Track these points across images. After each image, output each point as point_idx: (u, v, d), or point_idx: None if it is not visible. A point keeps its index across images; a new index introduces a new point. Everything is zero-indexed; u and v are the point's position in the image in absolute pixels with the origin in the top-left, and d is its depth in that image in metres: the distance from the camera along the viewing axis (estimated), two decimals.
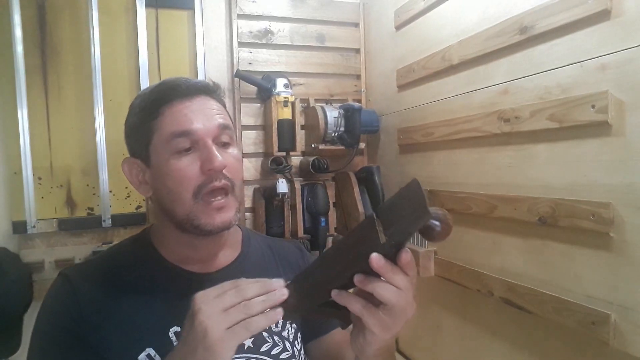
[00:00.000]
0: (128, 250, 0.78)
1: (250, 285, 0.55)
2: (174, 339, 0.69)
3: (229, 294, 0.54)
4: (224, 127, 0.71)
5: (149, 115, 0.71)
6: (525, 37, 0.97)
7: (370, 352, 0.59)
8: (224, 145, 0.72)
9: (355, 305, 0.54)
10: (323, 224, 1.52)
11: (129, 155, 0.75)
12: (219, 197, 0.69)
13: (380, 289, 0.52)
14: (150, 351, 0.67)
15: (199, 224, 0.68)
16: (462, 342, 1.25)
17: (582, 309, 0.84)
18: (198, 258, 0.76)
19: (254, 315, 0.53)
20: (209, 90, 0.74)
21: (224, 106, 0.77)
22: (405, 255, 0.52)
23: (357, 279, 0.53)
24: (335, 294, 0.54)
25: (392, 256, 0.52)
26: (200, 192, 0.67)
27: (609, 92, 0.79)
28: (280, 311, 0.55)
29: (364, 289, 0.53)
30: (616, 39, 0.78)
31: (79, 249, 1.42)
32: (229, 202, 0.70)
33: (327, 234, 1.55)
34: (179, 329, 0.70)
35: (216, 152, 0.68)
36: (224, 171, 0.68)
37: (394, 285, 0.52)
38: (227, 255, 0.80)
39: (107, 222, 1.43)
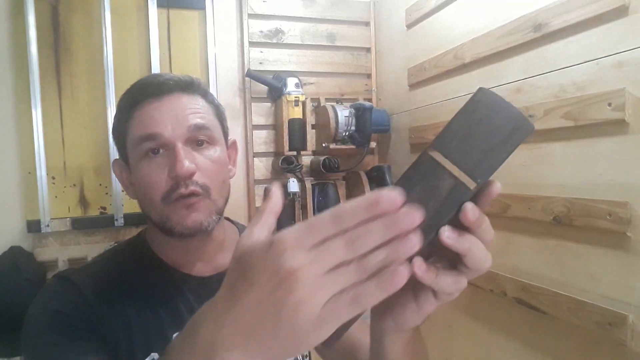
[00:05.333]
0: (125, 254, 0.74)
1: (370, 227, 0.32)
2: None
3: (336, 246, 0.32)
4: (198, 128, 0.67)
5: (123, 117, 0.69)
6: (539, 35, 0.96)
7: (416, 322, 0.45)
8: (200, 146, 0.68)
9: (445, 280, 0.39)
10: None
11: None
12: (189, 198, 0.65)
13: (477, 250, 0.38)
14: (155, 356, 0.65)
15: (171, 226, 0.65)
16: (475, 342, 1.24)
17: (599, 309, 0.83)
18: (192, 260, 0.73)
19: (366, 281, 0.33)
20: (183, 86, 0.69)
21: (211, 101, 0.73)
22: (496, 188, 0.38)
23: (449, 234, 0.37)
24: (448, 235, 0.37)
25: (475, 200, 0.38)
26: (169, 197, 0.64)
27: (626, 89, 0.78)
28: (404, 270, 0.33)
29: (455, 248, 0.38)
30: (634, 35, 0.77)
31: (92, 248, 1.43)
32: (200, 204, 0.66)
33: None
34: None
35: (182, 158, 0.63)
36: (195, 177, 0.65)
37: (484, 240, 0.39)
38: (225, 258, 0.76)
39: (120, 221, 1.44)
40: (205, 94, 0.72)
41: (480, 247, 0.39)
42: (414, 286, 0.43)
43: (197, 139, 0.67)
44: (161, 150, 0.65)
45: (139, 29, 1.49)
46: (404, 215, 0.32)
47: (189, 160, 0.64)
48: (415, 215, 0.32)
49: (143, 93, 0.67)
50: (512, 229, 1.06)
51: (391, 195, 0.32)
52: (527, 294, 1.00)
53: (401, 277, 0.32)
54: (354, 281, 0.33)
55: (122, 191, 1.45)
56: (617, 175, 0.81)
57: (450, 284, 0.39)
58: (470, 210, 0.36)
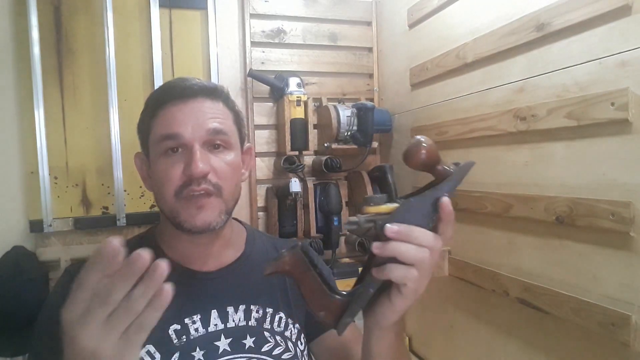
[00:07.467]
0: (132, 247, 0.78)
1: (119, 275, 0.45)
2: (173, 336, 0.70)
3: (99, 298, 0.44)
4: (216, 132, 0.71)
5: (149, 114, 0.74)
6: (541, 35, 0.95)
7: (393, 318, 0.58)
8: (216, 149, 0.72)
9: (396, 272, 0.53)
10: (336, 223, 1.52)
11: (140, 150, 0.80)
12: (200, 198, 0.69)
13: (403, 248, 0.52)
14: (150, 348, 0.68)
15: (180, 221, 0.70)
16: (477, 343, 1.24)
17: (601, 310, 0.83)
18: (198, 256, 0.77)
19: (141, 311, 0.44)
20: (207, 91, 0.74)
21: (231, 108, 0.77)
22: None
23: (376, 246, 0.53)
24: (376, 272, 0.55)
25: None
26: (181, 192, 0.69)
27: (629, 89, 0.77)
28: (167, 288, 0.45)
29: (385, 254, 0.53)
30: (637, 35, 0.77)
31: (94, 248, 1.43)
32: (211, 203, 0.70)
33: (340, 233, 1.54)
34: (179, 327, 0.71)
35: (198, 159, 0.68)
36: (209, 176, 0.69)
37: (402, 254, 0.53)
38: (229, 254, 0.81)
39: (122, 221, 1.44)
40: (227, 101, 0.77)
41: (407, 246, 0.52)
42: (386, 287, 0.57)
43: (214, 142, 0.72)
44: (180, 150, 0.70)
45: (141, 29, 1.49)
46: (131, 265, 0.45)
47: (203, 162, 0.69)
48: (161, 267, 0.45)
49: (169, 94, 0.73)
50: (514, 229, 1.06)
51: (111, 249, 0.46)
52: (530, 294, 1.00)
53: (166, 294, 0.45)
54: (130, 321, 0.43)
55: (125, 191, 1.46)
56: (620, 175, 0.81)
57: (400, 274, 0.53)
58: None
